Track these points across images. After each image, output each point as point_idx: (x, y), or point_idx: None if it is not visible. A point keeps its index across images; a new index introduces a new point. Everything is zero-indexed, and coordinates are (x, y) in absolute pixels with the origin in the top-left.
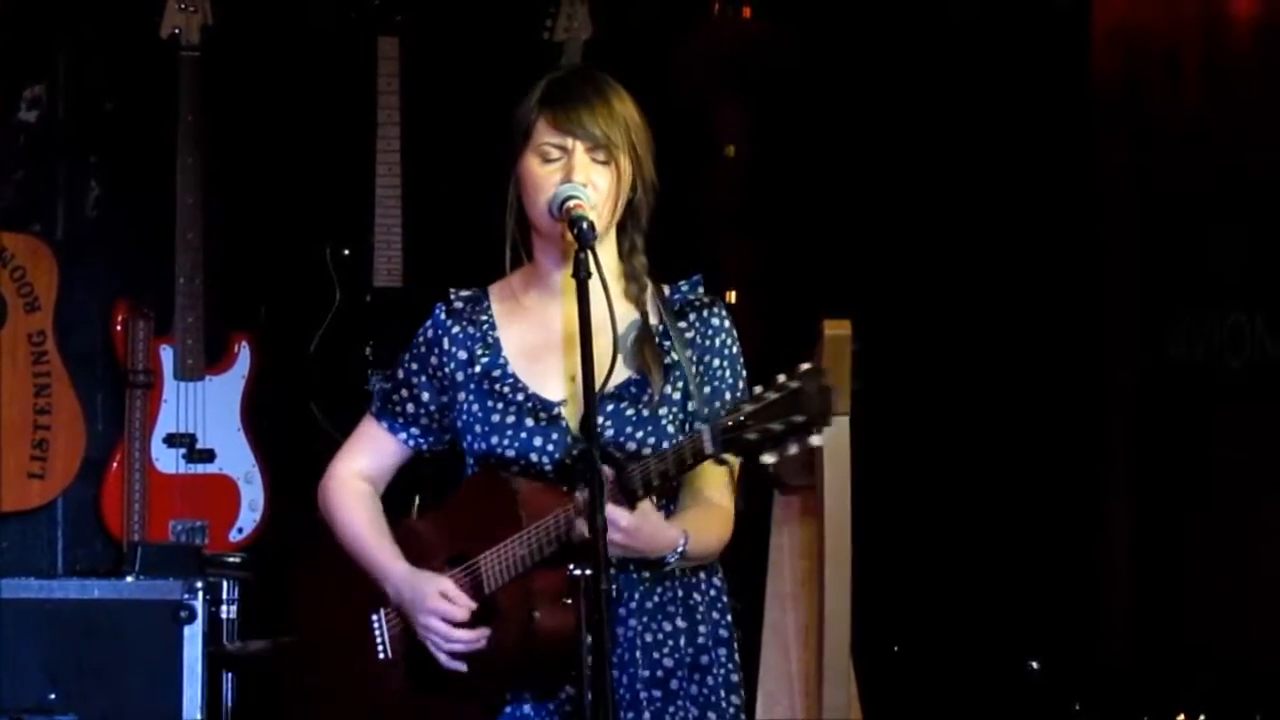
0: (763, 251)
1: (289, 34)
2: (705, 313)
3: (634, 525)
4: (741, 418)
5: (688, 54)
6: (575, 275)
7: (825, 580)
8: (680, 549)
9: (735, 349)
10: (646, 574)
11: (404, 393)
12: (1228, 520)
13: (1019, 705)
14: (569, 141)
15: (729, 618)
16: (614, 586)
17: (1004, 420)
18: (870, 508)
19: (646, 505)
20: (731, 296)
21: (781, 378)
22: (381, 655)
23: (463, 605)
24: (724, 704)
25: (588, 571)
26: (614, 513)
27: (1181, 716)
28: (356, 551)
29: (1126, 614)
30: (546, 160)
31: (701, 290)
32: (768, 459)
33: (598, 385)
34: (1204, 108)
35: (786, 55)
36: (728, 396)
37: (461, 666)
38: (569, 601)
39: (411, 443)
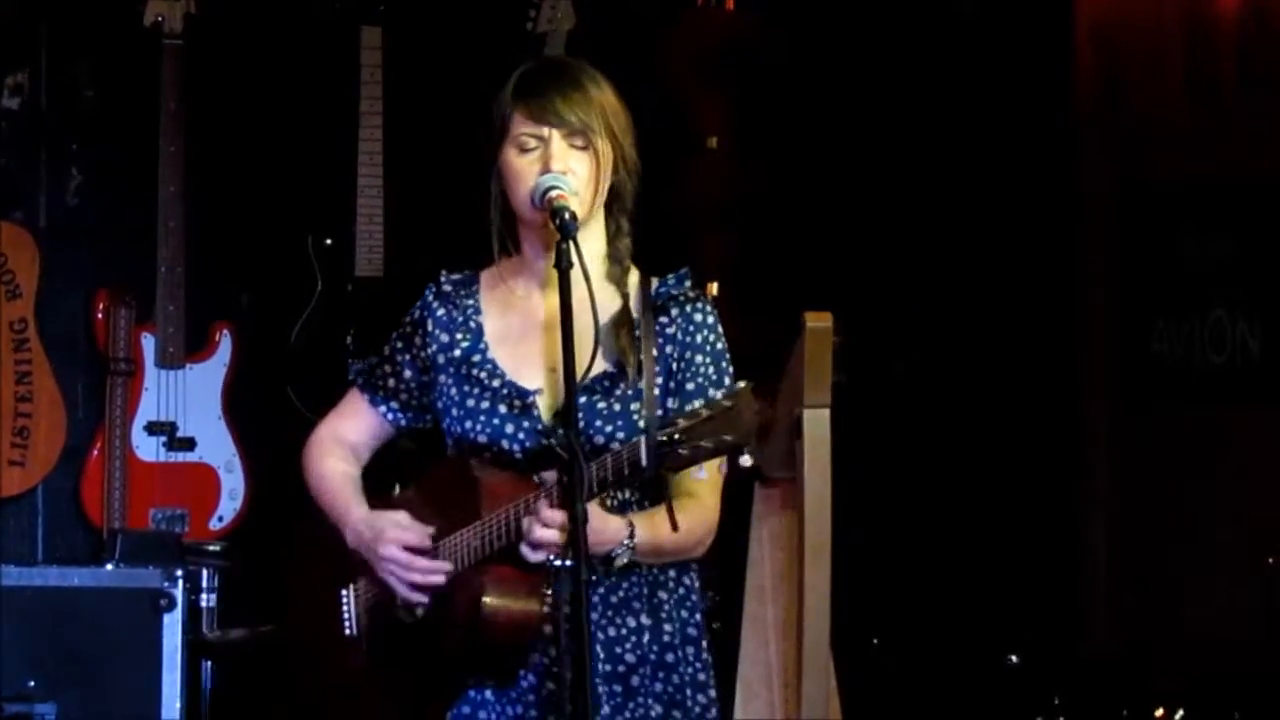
0: (745, 244)
1: (272, 23)
2: (689, 308)
3: (559, 522)
4: (675, 434)
5: (671, 46)
6: (557, 266)
7: (805, 573)
8: (627, 542)
9: (720, 345)
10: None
11: (387, 368)
12: (1208, 517)
13: (998, 699)
14: (545, 130)
15: (698, 617)
16: (594, 577)
17: (984, 415)
18: (851, 501)
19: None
20: (713, 288)
21: (718, 394)
22: (348, 630)
23: (418, 534)
24: (690, 702)
25: (568, 563)
26: (547, 514)
27: (1160, 711)
28: (323, 502)
29: (1106, 608)
30: (524, 151)
31: (688, 285)
32: (699, 475)
33: (578, 376)
34: (1186, 106)
35: (770, 47)
36: (711, 393)
37: (423, 599)
38: (519, 607)
39: (391, 417)
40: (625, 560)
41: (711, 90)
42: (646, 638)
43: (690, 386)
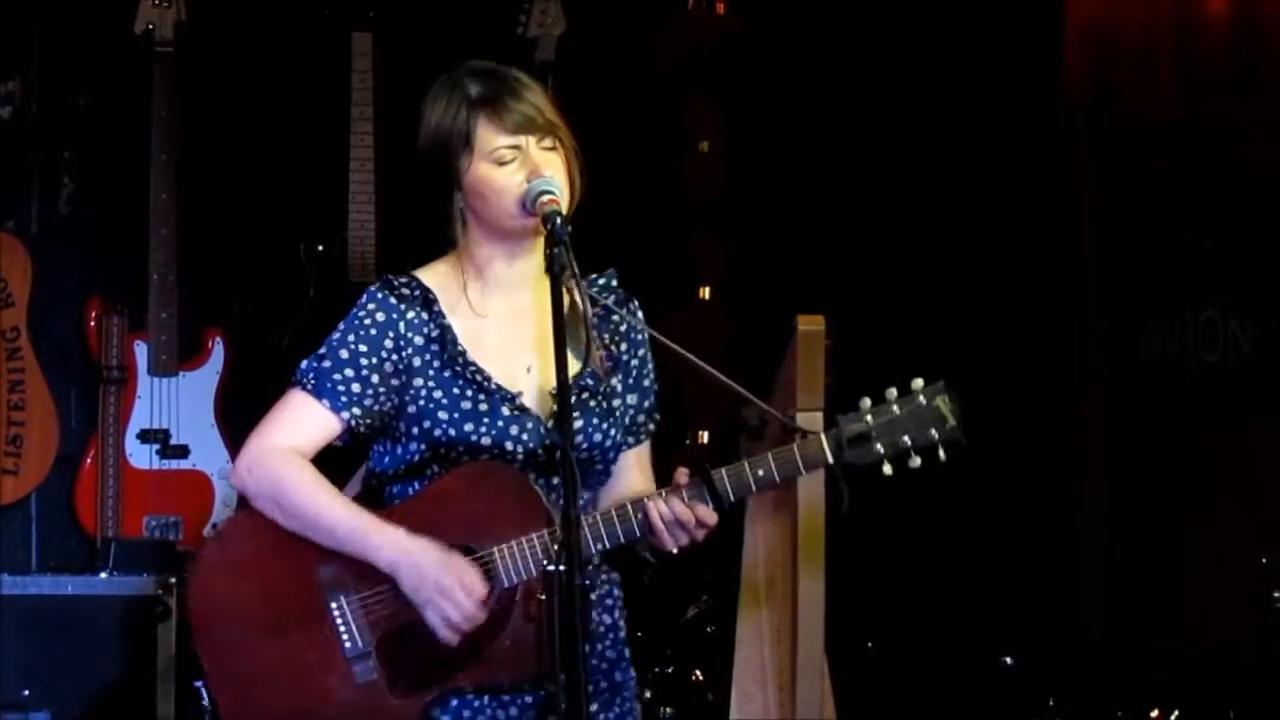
0: (737, 247)
1: (263, 29)
2: (631, 305)
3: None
4: (865, 429)
5: (662, 49)
6: (549, 270)
7: (799, 576)
8: None
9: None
10: (590, 566)
11: (349, 372)
12: (1201, 516)
13: (993, 701)
14: (521, 139)
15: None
16: (589, 581)
17: (976, 416)
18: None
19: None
20: (705, 292)
21: (893, 391)
22: (348, 645)
23: (484, 585)
24: (636, 706)
25: (561, 568)
26: (703, 514)
27: (1155, 712)
28: (318, 517)
29: (1101, 609)
30: (502, 164)
31: (615, 283)
32: (887, 470)
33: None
34: (1177, 107)
35: (761, 51)
36: (655, 388)
37: (455, 638)
38: (542, 597)
39: (354, 423)
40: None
41: (702, 93)
42: (621, 634)
43: (646, 383)
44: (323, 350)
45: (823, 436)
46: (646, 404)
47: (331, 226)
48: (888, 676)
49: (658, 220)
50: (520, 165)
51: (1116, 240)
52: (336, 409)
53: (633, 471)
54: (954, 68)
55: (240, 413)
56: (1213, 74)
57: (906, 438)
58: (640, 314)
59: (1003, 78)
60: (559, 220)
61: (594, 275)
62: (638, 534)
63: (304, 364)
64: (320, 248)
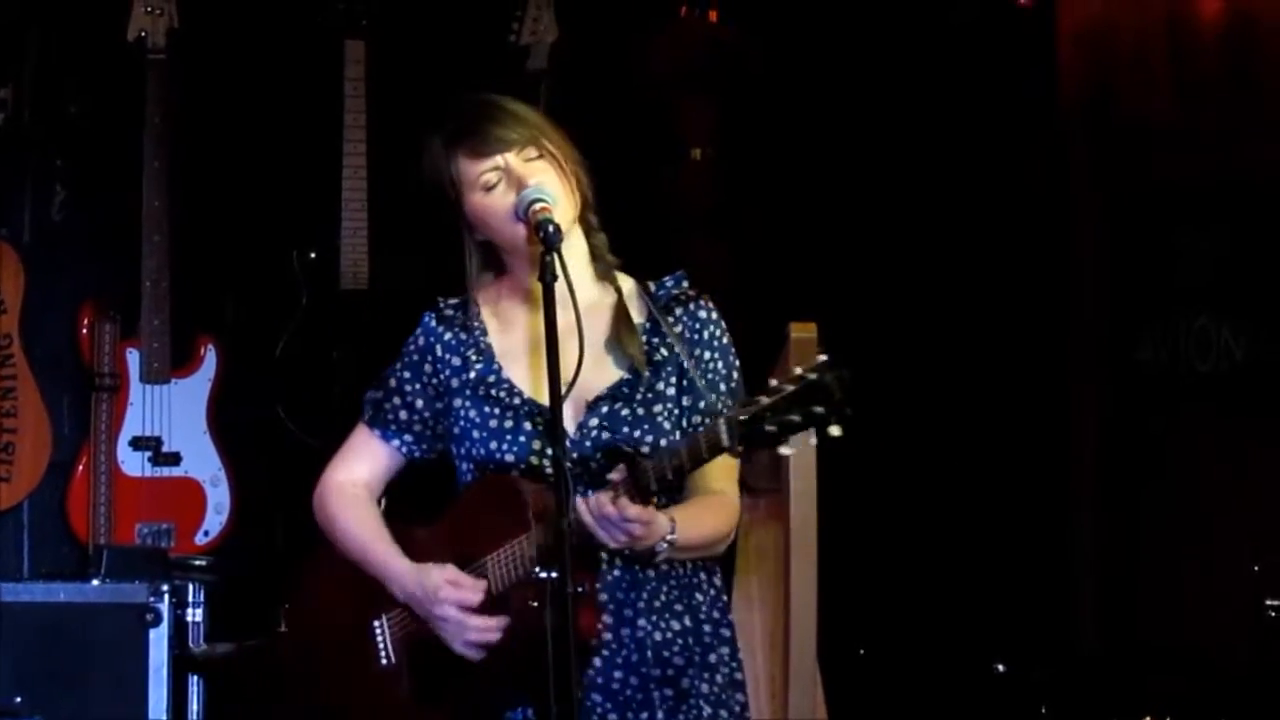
0: (729, 254)
1: (255, 37)
2: (692, 306)
3: (644, 519)
4: (758, 410)
5: (654, 57)
6: (541, 279)
7: (791, 583)
8: (669, 537)
9: (726, 340)
10: (651, 573)
11: (396, 400)
12: (1194, 523)
13: (985, 707)
14: (499, 159)
15: (730, 617)
16: (582, 588)
17: (971, 423)
18: (836, 510)
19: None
20: None
21: (798, 370)
22: (384, 661)
23: (473, 590)
24: (732, 702)
25: (553, 575)
26: (623, 506)
27: (1148, 718)
28: (359, 554)
29: (1093, 615)
30: (489, 189)
31: (686, 284)
32: (785, 451)
33: (565, 385)
34: (1172, 110)
35: (753, 58)
36: (723, 389)
37: (478, 654)
38: (534, 604)
39: (405, 450)
40: (664, 555)
41: (695, 100)
42: (691, 639)
43: (702, 384)
44: (379, 381)
45: (721, 421)
46: (704, 405)
47: (324, 234)
48: (880, 683)
49: (649, 227)
50: (508, 185)
51: (1111, 245)
52: (387, 438)
53: (705, 473)
54: (948, 73)
55: (232, 420)
56: (1208, 77)
57: (796, 415)
58: (704, 315)
59: (997, 82)
60: (551, 228)
61: (665, 278)
62: (574, 535)
63: (366, 395)
64: (313, 255)
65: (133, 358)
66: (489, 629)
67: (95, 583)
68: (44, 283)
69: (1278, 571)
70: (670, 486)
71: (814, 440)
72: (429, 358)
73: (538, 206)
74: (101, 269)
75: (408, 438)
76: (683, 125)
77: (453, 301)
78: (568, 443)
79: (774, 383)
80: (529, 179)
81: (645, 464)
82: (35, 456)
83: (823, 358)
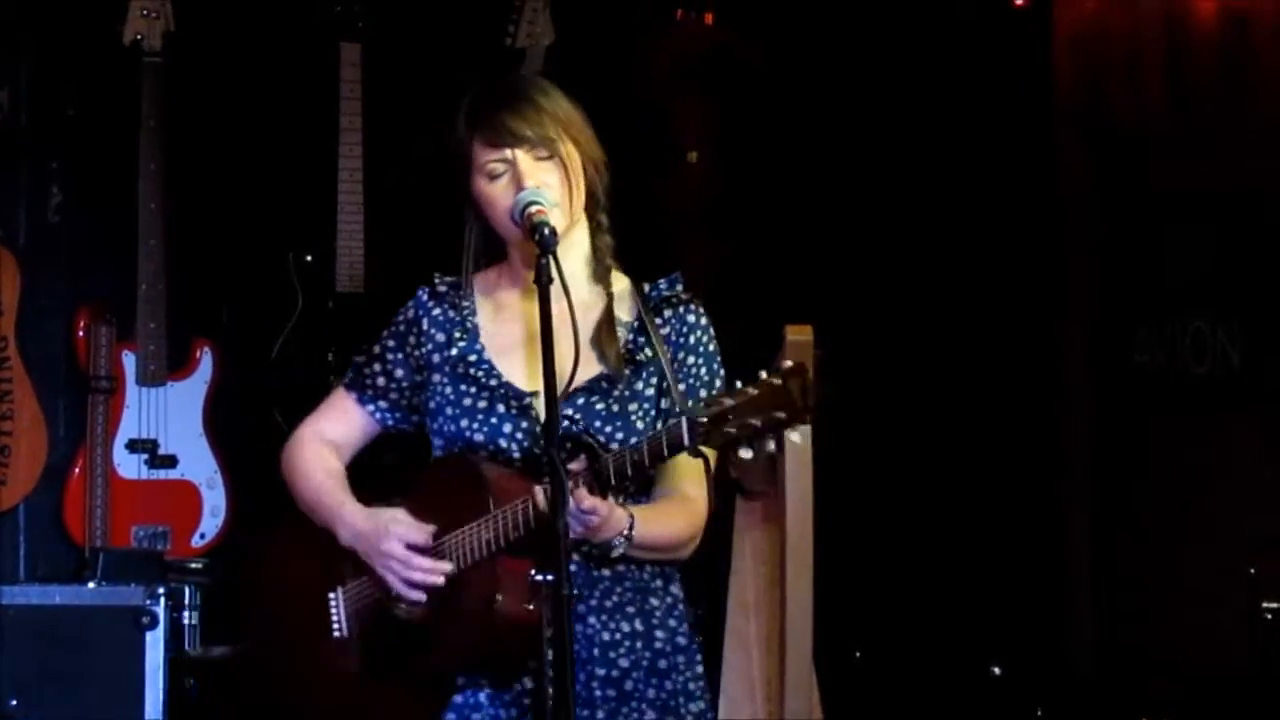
0: (725, 256)
1: (252, 40)
2: (682, 309)
3: (601, 510)
4: (720, 411)
5: (651, 59)
6: (536, 281)
7: (787, 586)
8: (626, 533)
9: (712, 346)
10: (606, 572)
11: (377, 366)
12: (1190, 525)
13: (981, 711)
14: (508, 153)
15: (686, 626)
16: (576, 589)
17: (966, 426)
18: (832, 513)
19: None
20: None
21: (763, 374)
22: (337, 633)
23: (420, 531)
24: (683, 710)
25: (549, 577)
26: (579, 496)
27: None
28: (311, 501)
29: (1089, 619)
30: (494, 178)
31: (680, 288)
32: (744, 454)
33: (561, 387)
34: (1166, 113)
35: (749, 61)
36: (703, 394)
37: (421, 597)
38: (530, 607)
39: (379, 416)
40: (620, 551)
41: (692, 102)
42: (640, 644)
43: (682, 387)
44: (366, 347)
45: (682, 420)
46: (679, 408)
47: (320, 237)
48: (876, 686)
49: (645, 230)
50: (510, 179)
51: (1105, 250)
52: (362, 402)
53: (675, 476)
54: (944, 76)
55: (228, 423)
56: (1202, 80)
57: (755, 420)
58: (693, 319)
59: (992, 87)
60: (546, 231)
61: (660, 280)
62: (532, 524)
63: (354, 358)
64: (309, 258)
65: (129, 360)
66: (433, 570)
67: (91, 585)
68: (40, 285)
69: (1274, 574)
70: (630, 482)
71: (772, 447)
72: (414, 330)
73: (533, 210)
74: (98, 271)
75: (383, 404)
76: (679, 127)
77: (448, 279)
78: (536, 430)
79: (739, 385)
80: (529, 179)
81: (605, 456)
82: (31, 459)
83: (789, 363)
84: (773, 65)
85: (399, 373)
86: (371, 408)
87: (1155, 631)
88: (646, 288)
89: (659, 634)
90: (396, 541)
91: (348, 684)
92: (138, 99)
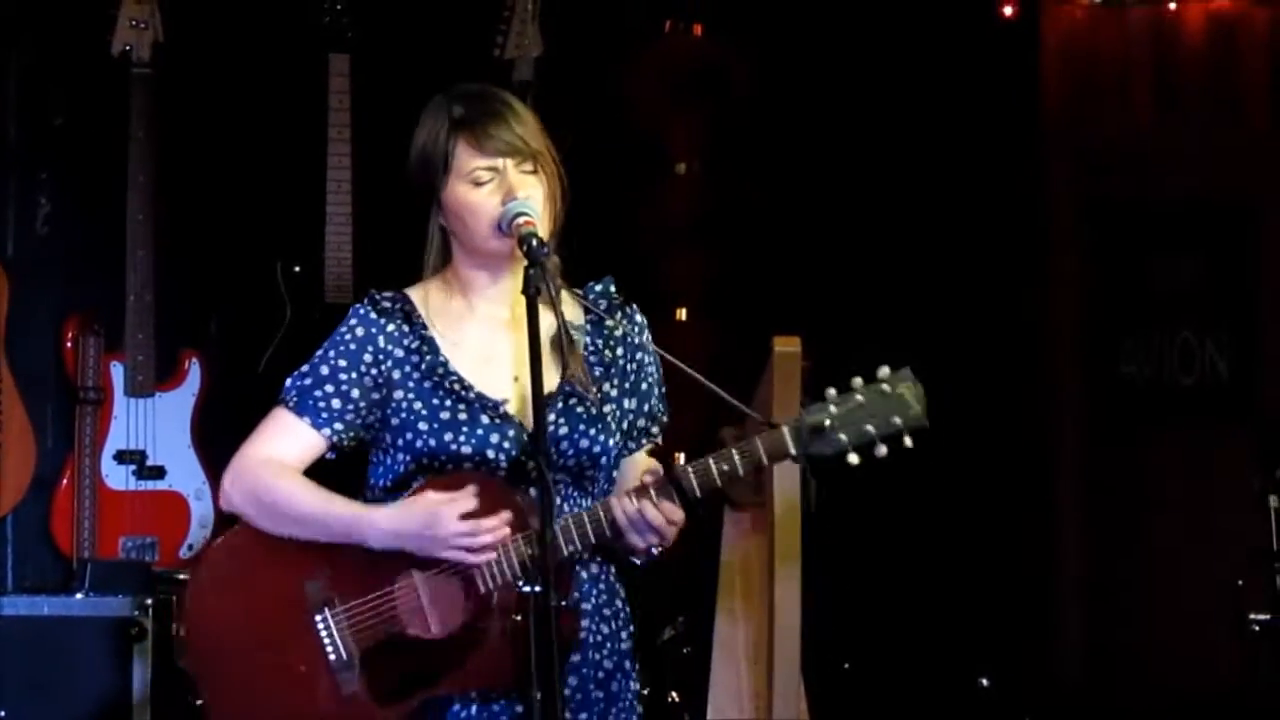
0: (714, 269)
1: (241, 50)
2: (629, 309)
3: (678, 521)
4: (827, 420)
5: (639, 72)
6: (525, 291)
7: (775, 597)
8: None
9: (652, 345)
10: (585, 575)
11: (330, 389)
12: (1178, 539)
13: None
14: (499, 161)
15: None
16: (575, 597)
17: (954, 438)
18: (821, 524)
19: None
20: (682, 314)
21: (858, 381)
22: (333, 657)
23: (464, 497)
24: (635, 716)
25: (537, 589)
26: (669, 510)
27: None
28: (312, 512)
29: (1078, 630)
30: (479, 184)
31: (613, 289)
32: (853, 460)
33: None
34: (1153, 127)
35: (738, 73)
36: (656, 393)
37: (493, 555)
38: (518, 619)
39: (335, 438)
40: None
41: (679, 115)
42: (619, 644)
43: (644, 386)
44: (306, 368)
45: (785, 428)
46: (647, 408)
47: (308, 248)
48: (865, 697)
49: (634, 242)
50: (497, 187)
51: (1092, 262)
52: (318, 425)
53: (637, 479)
54: (932, 88)
55: (217, 434)
56: (1189, 97)
57: (870, 426)
58: (640, 319)
59: (980, 99)
60: (535, 242)
61: (591, 283)
62: (607, 535)
63: (288, 382)
64: (297, 269)
65: (117, 371)
66: (499, 526)
67: (79, 596)
68: (28, 296)
69: (1262, 586)
70: (713, 496)
71: (883, 450)
72: (369, 348)
73: (521, 221)
74: (86, 282)
75: (339, 426)
76: (668, 140)
77: (388, 294)
78: (524, 437)
79: (832, 392)
80: (518, 190)
81: (686, 469)
82: (19, 470)
83: (885, 370)
84: (761, 76)
85: (354, 393)
86: (328, 430)
87: (1143, 643)
88: (581, 291)
89: (624, 634)
90: (452, 519)
91: (349, 705)
92: (126, 110)
